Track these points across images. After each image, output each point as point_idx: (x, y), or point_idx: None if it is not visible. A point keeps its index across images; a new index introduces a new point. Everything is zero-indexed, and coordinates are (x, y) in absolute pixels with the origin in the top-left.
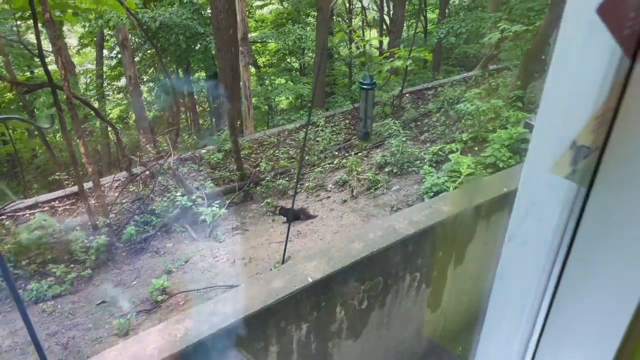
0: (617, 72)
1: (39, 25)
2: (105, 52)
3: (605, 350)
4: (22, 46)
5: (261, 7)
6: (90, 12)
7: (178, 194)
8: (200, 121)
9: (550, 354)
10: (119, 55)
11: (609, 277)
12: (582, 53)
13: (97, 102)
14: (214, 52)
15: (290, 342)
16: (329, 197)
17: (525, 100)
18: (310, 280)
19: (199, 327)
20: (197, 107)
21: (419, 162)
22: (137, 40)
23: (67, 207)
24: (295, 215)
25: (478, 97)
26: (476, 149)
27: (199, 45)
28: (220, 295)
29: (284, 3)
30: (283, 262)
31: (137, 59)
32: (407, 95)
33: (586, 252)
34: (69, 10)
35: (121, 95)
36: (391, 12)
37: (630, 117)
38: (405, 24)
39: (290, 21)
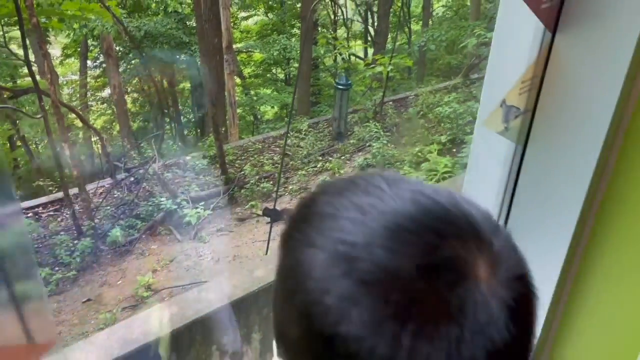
0: (541, 43)
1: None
2: (89, 62)
3: (543, 298)
4: (4, 56)
5: (246, 18)
6: (75, 20)
7: (162, 198)
8: (185, 132)
9: None
10: (104, 65)
11: (544, 225)
12: (515, 26)
13: (79, 116)
14: (198, 62)
15: (273, 330)
16: None
17: None
18: None
19: (184, 313)
20: (182, 117)
21: (399, 163)
22: (121, 49)
23: (52, 212)
24: (278, 215)
25: (456, 100)
26: (454, 150)
27: (183, 55)
28: (206, 283)
29: (269, 14)
30: (266, 254)
31: (121, 69)
32: (390, 102)
33: (525, 202)
34: (55, 17)
35: (105, 105)
36: (375, 24)
37: (554, 83)
38: (389, 36)
39: (275, 32)
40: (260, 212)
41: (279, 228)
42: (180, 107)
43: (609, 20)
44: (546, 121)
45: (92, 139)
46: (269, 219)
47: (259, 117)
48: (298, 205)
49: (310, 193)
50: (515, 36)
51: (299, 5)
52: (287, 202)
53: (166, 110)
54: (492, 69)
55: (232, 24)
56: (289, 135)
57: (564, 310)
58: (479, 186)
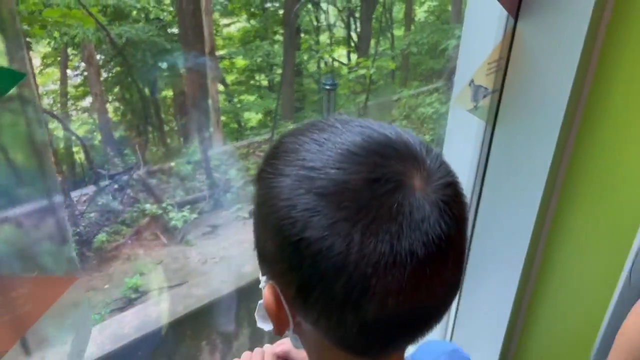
0: (505, 28)
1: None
2: (69, 71)
3: (515, 268)
4: None
5: (228, 25)
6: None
7: (147, 204)
8: (168, 140)
9: (470, 284)
10: (85, 73)
11: (514, 196)
12: (482, 13)
13: (61, 122)
14: (181, 70)
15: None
16: None
17: None
18: None
19: (174, 309)
20: (164, 125)
21: None
22: (103, 57)
23: (35, 220)
24: None
25: (438, 101)
26: (437, 147)
27: (166, 62)
28: (196, 279)
29: (251, 21)
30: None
31: (101, 78)
32: (374, 105)
33: (496, 177)
34: (36, 25)
35: (86, 114)
36: (358, 29)
37: (518, 64)
38: (372, 41)
39: (258, 38)
40: (247, 215)
41: None
42: (162, 115)
43: (564, 7)
44: (512, 100)
45: (74, 149)
46: None
47: (242, 124)
48: (269, 148)
49: (278, 137)
50: (483, 22)
51: (281, 11)
52: None
53: (149, 118)
54: (463, 52)
55: (214, 30)
56: (273, 138)
57: (538, 272)
58: (454, 163)
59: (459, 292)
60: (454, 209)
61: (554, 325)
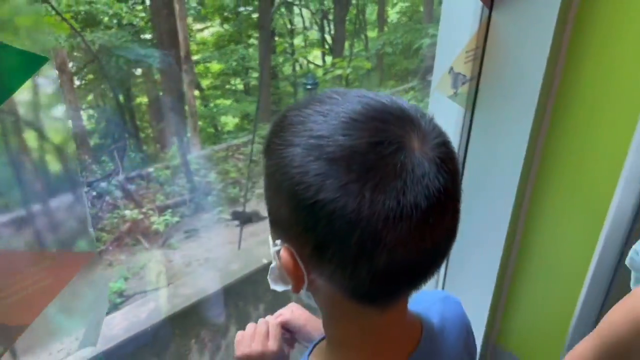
0: (480, 18)
1: None
2: (40, 79)
3: (496, 248)
4: None
5: (202, 30)
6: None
7: (127, 210)
8: (144, 147)
9: (454, 265)
10: (57, 81)
11: (493, 179)
12: (458, 4)
13: (34, 132)
14: (156, 76)
15: (248, 322)
16: None
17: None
18: (264, 261)
19: (161, 309)
20: (140, 132)
21: None
22: (75, 64)
23: (13, 231)
24: (248, 218)
25: (414, 99)
26: None
27: (140, 69)
28: (181, 279)
29: (224, 25)
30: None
31: (75, 85)
32: None
33: (475, 163)
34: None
35: (60, 123)
36: (332, 32)
37: (493, 53)
38: (347, 42)
39: (232, 42)
40: (228, 217)
41: (249, 230)
42: (138, 122)
43: None
44: (489, 86)
45: (46, 158)
46: (238, 222)
47: (219, 128)
48: (273, 123)
49: (280, 113)
50: (459, 12)
51: (255, 15)
52: (256, 205)
53: (126, 124)
54: (442, 41)
55: (188, 34)
56: (254, 141)
57: (518, 250)
58: None
59: (445, 263)
60: (449, 164)
61: (535, 302)
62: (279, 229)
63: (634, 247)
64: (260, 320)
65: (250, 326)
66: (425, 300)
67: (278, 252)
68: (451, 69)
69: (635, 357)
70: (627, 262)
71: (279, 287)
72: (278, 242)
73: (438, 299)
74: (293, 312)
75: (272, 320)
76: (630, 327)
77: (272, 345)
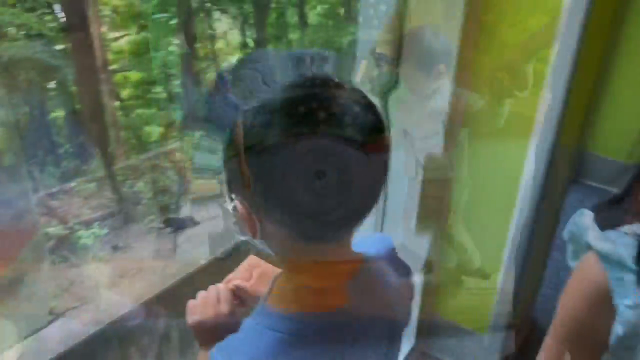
0: (400, 3)
1: None
2: None
3: None
4: None
5: (116, 39)
6: None
7: (51, 227)
8: (64, 162)
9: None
10: None
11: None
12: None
13: None
14: (71, 88)
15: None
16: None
17: None
18: (202, 262)
19: (98, 318)
20: (58, 149)
21: None
22: None
23: None
24: (182, 223)
25: None
26: None
27: (54, 81)
28: (116, 288)
29: (141, 33)
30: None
31: None
32: None
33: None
34: None
35: None
36: (253, 35)
37: (411, 37)
38: (269, 46)
39: (152, 49)
40: (161, 225)
41: (184, 235)
42: (55, 137)
43: None
44: (408, 70)
45: None
46: (171, 229)
47: (142, 138)
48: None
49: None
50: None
51: (172, 22)
52: (189, 210)
53: (41, 139)
54: (363, 26)
55: (103, 44)
56: (183, 148)
57: None
58: None
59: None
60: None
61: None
62: (234, 187)
63: (571, 219)
64: (210, 287)
65: (200, 294)
66: (367, 241)
67: (235, 207)
68: (373, 50)
69: (604, 329)
70: (564, 235)
71: (243, 236)
72: (234, 200)
73: (377, 239)
74: (243, 274)
75: (222, 286)
76: (588, 303)
77: (224, 308)
